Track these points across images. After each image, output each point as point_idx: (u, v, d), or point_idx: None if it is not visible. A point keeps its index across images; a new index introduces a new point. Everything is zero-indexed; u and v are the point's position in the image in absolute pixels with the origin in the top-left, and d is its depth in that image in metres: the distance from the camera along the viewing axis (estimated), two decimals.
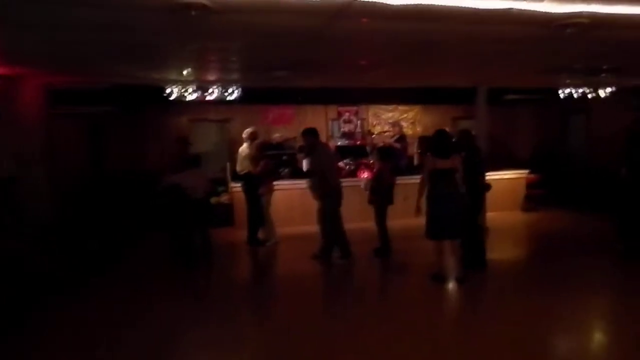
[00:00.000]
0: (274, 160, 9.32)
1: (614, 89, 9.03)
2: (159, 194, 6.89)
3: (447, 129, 6.49)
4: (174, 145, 6.81)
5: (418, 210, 5.60)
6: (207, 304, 5.27)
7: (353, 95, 11.71)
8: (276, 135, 11.09)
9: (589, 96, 9.03)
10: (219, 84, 7.79)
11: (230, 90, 7.91)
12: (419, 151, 12.12)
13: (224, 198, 9.35)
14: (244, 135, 8.08)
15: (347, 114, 12.70)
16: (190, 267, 6.47)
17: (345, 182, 9.47)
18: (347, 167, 10.00)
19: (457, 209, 5.40)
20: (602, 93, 8.97)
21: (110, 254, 7.10)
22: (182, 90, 7.56)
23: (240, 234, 8.29)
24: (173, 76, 7.10)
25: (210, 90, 7.75)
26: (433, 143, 5.56)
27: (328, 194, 6.43)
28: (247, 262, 7.47)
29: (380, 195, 6.70)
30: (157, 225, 7.67)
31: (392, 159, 8.92)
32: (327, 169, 6.44)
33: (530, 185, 10.52)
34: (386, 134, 12.14)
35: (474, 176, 5.73)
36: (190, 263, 6.52)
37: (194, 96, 7.81)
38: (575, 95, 9.03)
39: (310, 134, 6.66)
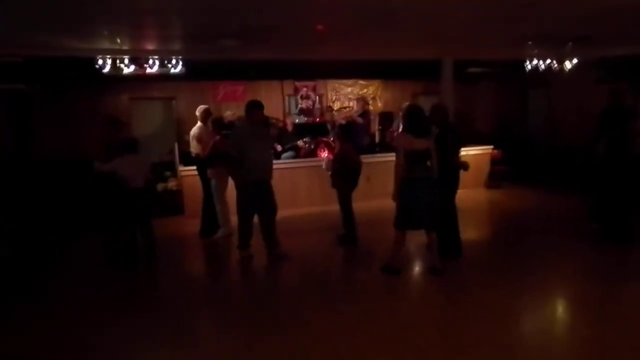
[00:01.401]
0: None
1: (578, 61, 8.72)
2: (90, 186, 5.98)
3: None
4: (104, 128, 5.80)
5: (394, 197, 5.01)
6: (150, 318, 4.46)
7: (310, 70, 10.97)
8: (228, 113, 10.16)
9: (555, 68, 8.68)
10: (159, 56, 6.82)
11: (173, 63, 6.96)
12: (379, 127, 11.65)
13: (172, 184, 8.46)
14: (197, 113, 7.23)
15: (304, 89, 11.94)
16: (131, 270, 5.64)
17: (305, 163, 8.95)
18: (307, 145, 9.33)
19: (432, 196, 4.87)
20: (567, 65, 8.61)
21: (30, 262, 6.11)
22: (117, 63, 6.54)
23: (192, 223, 7.50)
24: (104, 46, 6.12)
25: (150, 63, 6.76)
26: (409, 120, 4.92)
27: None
28: (197, 259, 6.68)
29: (345, 178, 6.08)
30: (92, 221, 6.72)
31: (354, 136, 8.39)
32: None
33: (493, 161, 10.24)
34: (347, 109, 11.52)
35: (449, 155, 5.19)
36: (131, 265, 5.68)
37: (131, 69, 6.82)
38: (540, 68, 8.65)
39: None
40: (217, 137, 6.51)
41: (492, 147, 10.21)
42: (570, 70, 8.67)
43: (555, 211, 8.16)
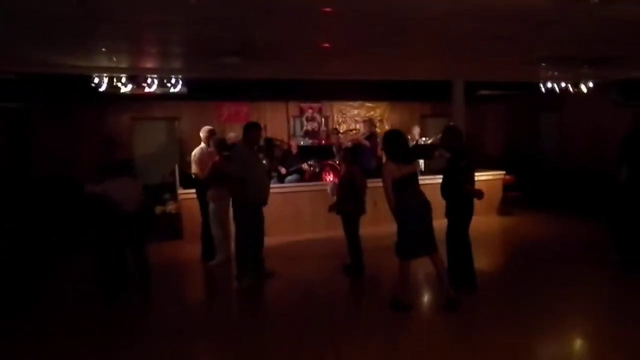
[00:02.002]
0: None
1: (594, 83, 8.40)
2: (82, 207, 5.66)
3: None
4: (101, 148, 5.51)
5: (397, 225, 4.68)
6: (132, 352, 4.07)
7: (316, 91, 10.76)
8: (231, 135, 9.90)
9: (570, 90, 8.36)
10: (158, 74, 6.58)
11: (173, 82, 6.71)
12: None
13: (170, 207, 8.13)
14: (201, 134, 6.99)
15: (310, 110, 11.71)
16: (113, 299, 5.24)
17: (310, 187, 8.60)
18: (312, 168, 9.01)
19: (429, 219, 4.58)
20: (583, 88, 8.30)
21: (19, 281, 5.77)
22: (114, 81, 6.29)
23: (191, 248, 7.15)
24: (101, 63, 5.88)
25: (149, 82, 6.51)
26: (391, 147, 4.63)
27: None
28: (193, 286, 6.29)
29: (352, 204, 5.72)
30: (85, 243, 6.38)
31: (361, 159, 8.10)
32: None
33: (506, 187, 9.84)
34: (353, 132, 11.24)
35: (462, 182, 4.83)
36: (114, 294, 5.29)
37: (128, 88, 6.57)
38: (556, 90, 8.34)
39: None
40: (217, 158, 6.21)
41: (504, 172, 9.82)
42: (586, 93, 8.34)
43: (572, 239, 7.71)
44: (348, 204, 5.70)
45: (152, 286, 5.63)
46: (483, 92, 10.31)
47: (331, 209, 5.89)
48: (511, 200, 9.76)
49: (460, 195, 4.89)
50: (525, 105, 11.78)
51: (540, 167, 11.28)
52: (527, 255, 7.01)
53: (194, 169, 6.87)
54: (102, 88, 6.24)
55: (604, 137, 9.50)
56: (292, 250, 7.09)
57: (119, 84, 6.33)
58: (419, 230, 4.51)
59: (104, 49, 5.33)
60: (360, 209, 5.79)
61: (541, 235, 8.04)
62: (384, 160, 10.38)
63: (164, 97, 9.45)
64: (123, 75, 6.27)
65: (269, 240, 6.51)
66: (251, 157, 5.58)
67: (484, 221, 8.74)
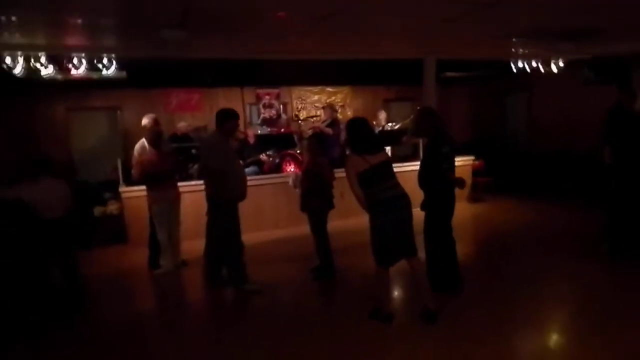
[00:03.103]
0: (183, 156, 7.42)
1: (565, 62, 8.04)
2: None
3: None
4: (18, 145, 4.55)
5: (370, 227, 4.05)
6: None
7: (273, 75, 9.92)
8: (182, 124, 9.07)
9: (541, 70, 7.96)
10: (86, 53, 5.60)
11: (105, 63, 5.74)
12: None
13: (112, 207, 7.17)
14: (143, 124, 6.12)
15: (267, 97, 10.88)
16: (50, 319, 4.37)
17: (269, 179, 7.85)
18: (271, 159, 8.25)
19: (409, 215, 3.92)
20: (554, 67, 7.91)
21: None
22: (31, 62, 5.27)
23: (137, 253, 6.29)
24: (13, 39, 4.88)
25: (75, 62, 5.52)
26: (354, 136, 3.99)
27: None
28: (138, 298, 5.44)
29: (319, 199, 5.02)
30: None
31: (324, 148, 7.45)
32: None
33: (475, 172, 9.43)
34: (314, 119, 10.52)
35: (446, 170, 4.23)
36: (51, 312, 4.42)
37: (50, 70, 5.56)
38: (527, 69, 7.91)
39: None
40: (152, 155, 5.38)
41: (473, 157, 9.39)
42: (556, 72, 7.96)
43: (551, 225, 7.35)
44: (314, 199, 5.01)
45: (86, 304, 4.75)
46: (449, 74, 9.80)
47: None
48: (481, 186, 9.37)
49: (443, 185, 4.29)
50: (492, 87, 11.43)
51: (509, 150, 10.98)
52: (507, 246, 6.58)
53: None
54: (17, 70, 5.21)
55: (575, 116, 9.24)
56: (253, 251, 6.33)
57: (38, 66, 5.32)
58: (396, 231, 3.86)
59: (14, 19, 4.36)
60: (329, 204, 5.11)
61: (518, 223, 7.64)
62: (347, 152, 9.90)
63: (102, 84, 8.47)
64: (42, 54, 5.26)
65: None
66: (228, 149, 4.98)
67: (456, 209, 8.28)
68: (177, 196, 5.57)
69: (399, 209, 3.87)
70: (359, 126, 4.04)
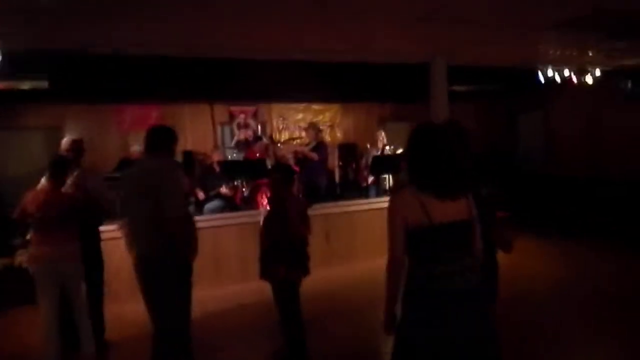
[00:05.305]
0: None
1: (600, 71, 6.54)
2: None
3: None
4: None
5: (389, 327, 2.22)
6: None
7: (249, 90, 8.32)
8: (135, 148, 7.44)
9: (574, 80, 6.45)
10: None
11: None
12: (340, 164, 9.16)
13: (20, 259, 5.40)
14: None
15: (242, 115, 9.29)
16: None
17: (235, 218, 6.12)
18: (234, 193, 6.58)
19: (480, 335, 2.10)
20: (589, 78, 6.42)
21: None
22: None
23: None
24: None
25: None
26: (418, 156, 2.17)
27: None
28: None
29: (288, 261, 3.32)
30: None
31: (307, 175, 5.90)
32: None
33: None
34: (296, 141, 8.92)
35: (488, 225, 2.58)
36: None
37: None
38: (558, 78, 6.39)
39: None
40: (45, 189, 3.72)
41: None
42: (592, 83, 6.46)
43: (592, 282, 5.61)
44: (279, 263, 3.29)
45: None
46: (457, 87, 8.27)
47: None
48: (502, 224, 7.70)
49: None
50: (503, 103, 9.98)
51: (523, 176, 9.42)
52: (540, 320, 4.78)
53: None
54: None
55: (607, 138, 7.70)
56: (208, 320, 4.66)
57: None
58: (445, 348, 2.05)
59: None
60: (302, 270, 3.40)
61: (549, 279, 5.83)
62: (337, 176, 8.25)
63: (36, 98, 6.90)
64: None
65: None
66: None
67: None
68: (71, 256, 3.72)
69: (461, 315, 2.07)
70: (430, 140, 2.16)
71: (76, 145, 4.49)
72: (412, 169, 2.18)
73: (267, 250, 3.37)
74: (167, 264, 2.98)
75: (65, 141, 4.59)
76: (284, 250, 3.30)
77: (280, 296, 3.41)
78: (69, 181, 3.94)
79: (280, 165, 4.77)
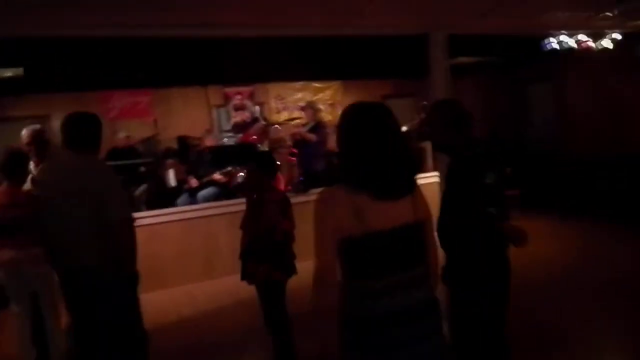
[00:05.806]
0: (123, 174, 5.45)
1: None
2: None
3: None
4: None
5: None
6: None
7: (245, 70, 7.94)
8: (121, 136, 7.17)
9: (592, 46, 5.94)
10: None
11: None
12: None
13: None
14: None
15: (238, 97, 8.90)
16: None
17: (228, 207, 5.77)
18: (231, 178, 6.24)
19: (432, 350, 1.71)
20: (608, 42, 5.90)
21: None
22: None
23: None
24: None
25: None
26: (348, 148, 1.74)
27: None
28: None
29: (271, 261, 2.98)
30: None
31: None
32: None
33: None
34: (294, 122, 8.54)
35: (487, 217, 2.22)
36: None
37: None
38: (568, 45, 5.89)
39: None
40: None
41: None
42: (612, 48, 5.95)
43: (612, 264, 5.25)
44: (260, 262, 2.96)
45: None
46: (462, 59, 7.80)
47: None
48: (510, 202, 7.30)
49: (488, 244, 2.28)
50: (509, 75, 9.45)
51: (534, 153, 8.95)
52: (558, 306, 4.38)
53: None
54: None
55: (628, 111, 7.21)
56: (197, 319, 4.42)
57: None
58: None
59: None
60: (287, 270, 3.07)
61: (565, 261, 5.49)
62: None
63: (19, 88, 6.62)
64: None
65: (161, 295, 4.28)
66: None
67: None
68: (38, 260, 3.39)
69: (403, 339, 1.68)
70: (366, 123, 1.72)
71: (38, 136, 4.05)
72: (342, 164, 1.78)
73: (245, 249, 3.03)
74: (113, 274, 2.62)
75: (24, 133, 4.08)
76: (264, 250, 2.96)
77: (263, 298, 3.10)
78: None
79: (259, 153, 4.41)
